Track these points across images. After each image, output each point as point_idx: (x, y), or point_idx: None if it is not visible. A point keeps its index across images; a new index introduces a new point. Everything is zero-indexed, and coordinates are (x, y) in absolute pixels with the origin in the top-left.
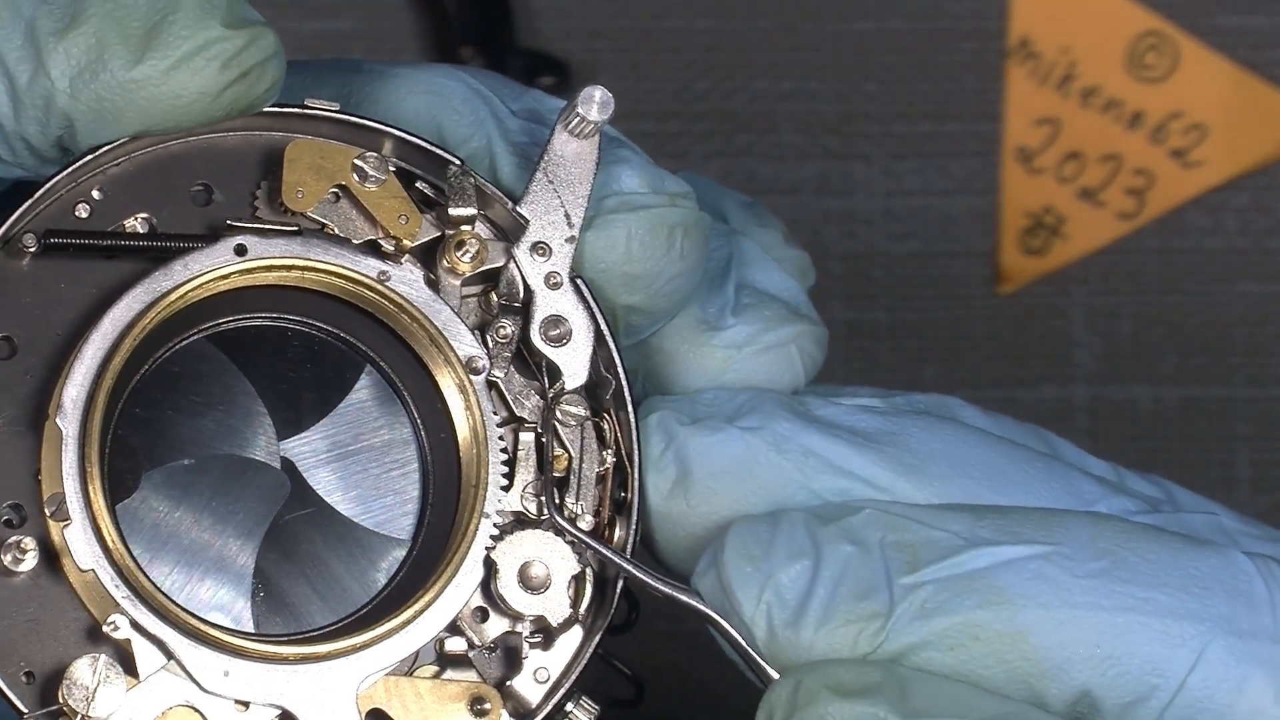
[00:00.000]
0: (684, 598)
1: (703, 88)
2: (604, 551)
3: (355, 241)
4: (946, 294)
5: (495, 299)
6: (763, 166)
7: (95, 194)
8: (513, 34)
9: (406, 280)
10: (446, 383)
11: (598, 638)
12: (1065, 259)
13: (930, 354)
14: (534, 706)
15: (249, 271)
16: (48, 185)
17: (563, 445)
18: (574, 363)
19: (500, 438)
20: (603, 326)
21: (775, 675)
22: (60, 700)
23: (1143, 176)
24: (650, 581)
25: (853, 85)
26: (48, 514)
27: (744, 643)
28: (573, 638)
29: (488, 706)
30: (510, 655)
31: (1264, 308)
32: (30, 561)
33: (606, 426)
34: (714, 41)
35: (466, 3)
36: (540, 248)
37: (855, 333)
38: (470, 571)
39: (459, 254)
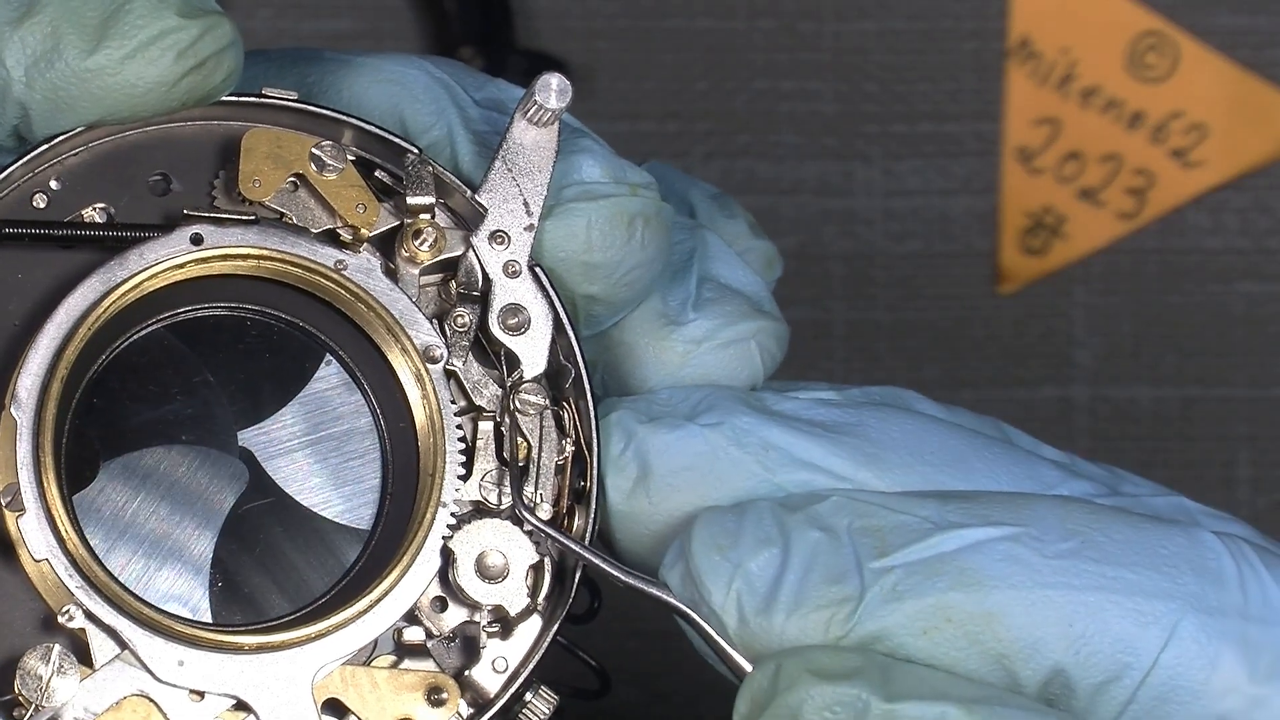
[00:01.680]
0: (652, 590)
1: (703, 88)
2: (572, 546)
3: (313, 230)
4: (946, 294)
5: (454, 288)
6: (763, 166)
7: (53, 184)
8: (513, 34)
9: (364, 269)
10: (404, 371)
11: (556, 627)
12: (1065, 259)
13: (930, 354)
14: (492, 696)
15: (205, 261)
16: (3, 175)
17: (522, 434)
18: (532, 351)
19: (459, 427)
20: (561, 315)
21: (746, 665)
22: (15, 690)
23: (1143, 176)
24: (618, 575)
25: (853, 85)
26: (2, 504)
27: (714, 633)
28: (531, 627)
29: (445, 696)
30: (469, 645)
31: (1264, 308)
32: None
33: (566, 415)
34: (714, 41)
35: (467, 3)
36: (499, 236)
37: (855, 333)
38: (427, 561)
39: (417, 243)
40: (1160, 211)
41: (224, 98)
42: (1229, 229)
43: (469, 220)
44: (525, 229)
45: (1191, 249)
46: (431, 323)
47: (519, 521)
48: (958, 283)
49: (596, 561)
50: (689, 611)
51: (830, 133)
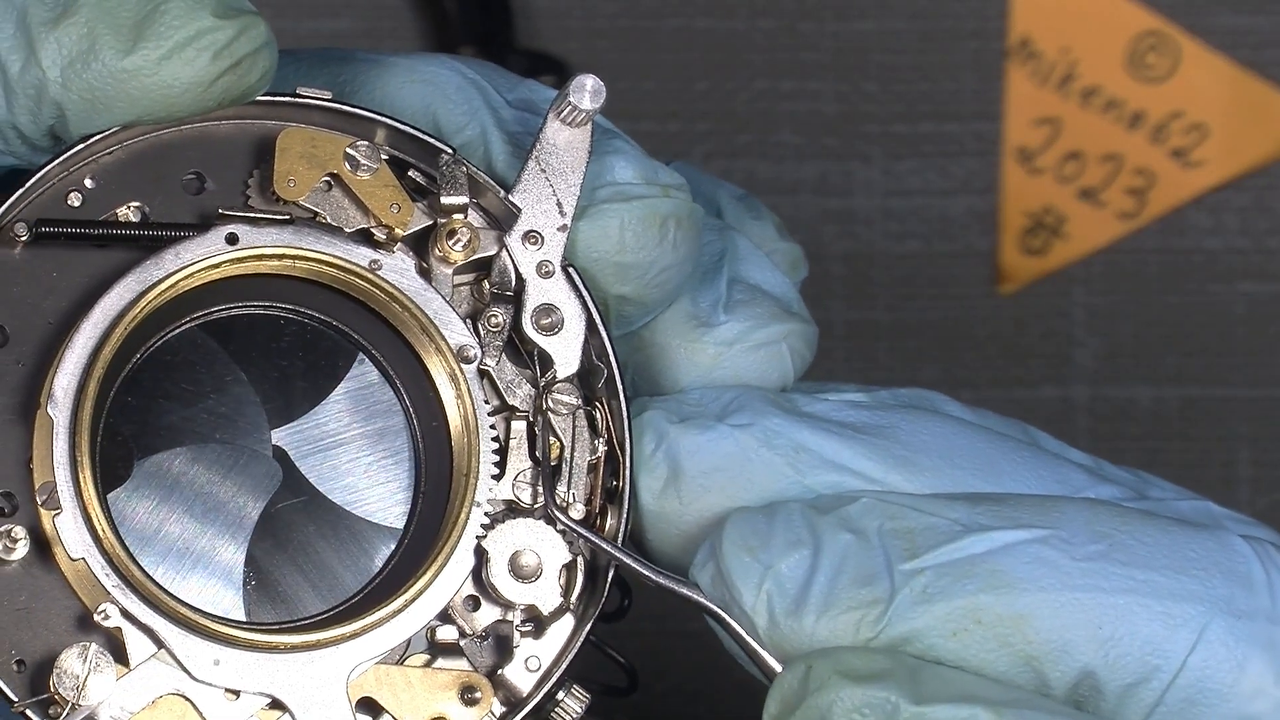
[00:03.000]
0: (683, 590)
1: (703, 88)
2: (604, 546)
3: (347, 230)
4: (946, 294)
5: (487, 287)
6: (763, 166)
7: (88, 183)
8: (512, 34)
9: (398, 269)
10: (438, 371)
11: (589, 626)
12: (1065, 259)
13: (930, 354)
14: (525, 695)
15: (240, 260)
16: (39, 174)
17: (555, 434)
18: (565, 351)
19: (492, 426)
20: (594, 315)
21: (776, 665)
22: (50, 689)
23: (1143, 176)
24: (650, 575)
25: (853, 85)
26: (39, 502)
27: (745, 634)
28: (564, 626)
29: (478, 695)
30: (502, 644)
31: (1264, 308)
32: (21, 550)
33: (598, 415)
34: (714, 41)
35: (467, 3)
36: (532, 236)
37: (855, 333)
38: (461, 560)
39: (451, 243)
40: (1160, 211)
41: (258, 97)
42: (1229, 229)
43: (502, 220)
44: (558, 229)
45: (1192, 249)
46: (465, 322)
47: (552, 521)
48: (958, 283)
49: (628, 562)
50: (720, 612)
51: (830, 133)
